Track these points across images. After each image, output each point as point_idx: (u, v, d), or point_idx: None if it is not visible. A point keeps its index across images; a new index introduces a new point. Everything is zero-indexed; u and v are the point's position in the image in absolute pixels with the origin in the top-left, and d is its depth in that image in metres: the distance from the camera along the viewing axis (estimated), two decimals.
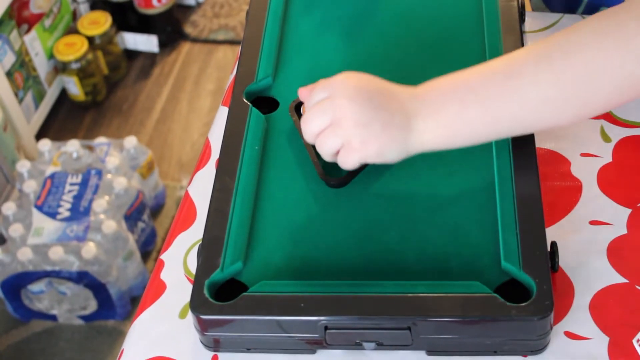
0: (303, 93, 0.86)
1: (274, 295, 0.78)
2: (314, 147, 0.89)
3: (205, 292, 0.79)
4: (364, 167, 0.87)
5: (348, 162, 0.81)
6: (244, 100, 0.95)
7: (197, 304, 0.79)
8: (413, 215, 0.84)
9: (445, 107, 0.80)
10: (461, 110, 0.79)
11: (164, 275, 0.90)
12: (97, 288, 1.85)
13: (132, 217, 1.95)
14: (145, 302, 0.88)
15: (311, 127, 0.82)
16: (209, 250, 0.82)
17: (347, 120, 0.79)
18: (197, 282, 0.80)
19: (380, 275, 0.80)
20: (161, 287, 0.89)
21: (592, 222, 0.88)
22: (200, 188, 0.97)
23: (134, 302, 1.95)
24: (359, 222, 0.84)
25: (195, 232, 0.92)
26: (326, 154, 0.82)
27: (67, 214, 1.87)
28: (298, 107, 0.93)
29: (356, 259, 0.81)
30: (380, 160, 0.81)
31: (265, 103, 0.97)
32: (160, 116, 2.40)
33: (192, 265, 0.89)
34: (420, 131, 0.80)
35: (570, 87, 0.78)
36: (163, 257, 0.92)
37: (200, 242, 0.84)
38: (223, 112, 1.03)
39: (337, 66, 0.98)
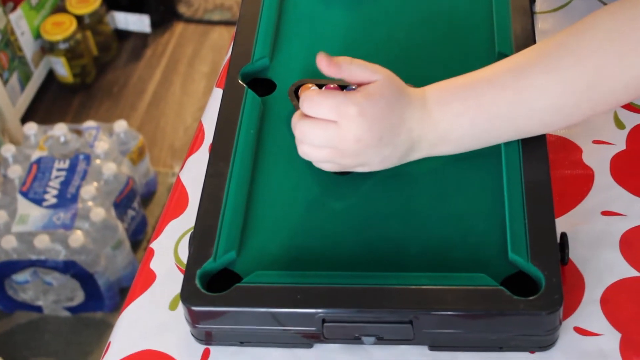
0: (324, 62, 0.82)
1: (269, 286, 0.78)
2: None
3: (197, 282, 0.79)
4: None
5: (332, 170, 0.84)
6: (240, 81, 0.95)
7: (188, 295, 0.78)
8: (416, 203, 0.83)
9: (455, 129, 0.82)
10: (471, 129, 0.82)
11: (153, 265, 0.89)
12: (85, 278, 1.84)
13: (121, 204, 1.94)
14: (133, 292, 0.88)
15: (305, 139, 0.82)
16: (201, 239, 0.82)
17: (349, 152, 0.81)
18: (189, 272, 0.79)
19: (381, 266, 0.79)
20: (151, 277, 0.88)
21: (604, 213, 0.87)
22: (193, 174, 0.96)
23: (122, 293, 1.95)
24: (359, 210, 0.84)
25: (187, 220, 0.92)
26: (309, 159, 0.84)
27: (53, 200, 1.86)
28: (298, 90, 0.92)
29: (356, 249, 0.81)
30: None
31: (262, 85, 0.96)
32: (152, 99, 2.39)
33: (184, 254, 0.88)
34: (424, 150, 0.83)
35: (581, 93, 0.80)
36: (153, 245, 0.91)
37: (192, 230, 0.83)
38: (217, 95, 1.02)
39: (337, 46, 0.98)
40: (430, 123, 0.82)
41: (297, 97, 0.92)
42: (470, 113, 0.81)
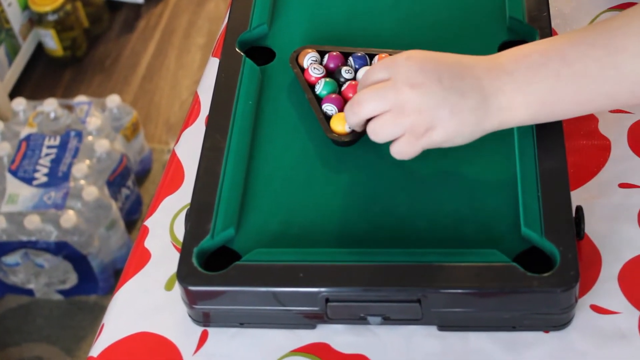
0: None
1: (270, 264, 0.77)
2: (317, 100, 0.87)
3: (194, 261, 0.78)
4: None
5: (407, 153, 0.79)
6: (237, 50, 0.94)
7: (184, 274, 0.78)
8: (424, 176, 0.83)
9: (536, 82, 0.77)
10: (555, 86, 0.77)
11: (148, 243, 0.89)
12: (77, 260, 1.84)
13: (115, 182, 1.94)
14: (127, 272, 0.87)
15: (364, 110, 0.79)
16: (198, 215, 0.81)
17: (411, 107, 0.76)
18: (185, 250, 0.79)
19: (388, 243, 0.79)
20: (145, 256, 0.88)
21: (622, 185, 0.87)
22: (189, 147, 0.96)
23: (117, 275, 1.95)
24: (364, 183, 0.83)
25: (182, 196, 0.91)
26: (380, 140, 0.80)
27: (44, 179, 1.86)
28: (299, 57, 0.91)
29: (361, 225, 0.80)
30: (447, 146, 0.79)
31: (260, 53, 0.95)
32: (146, 73, 2.39)
33: (180, 232, 0.87)
34: (503, 109, 0.77)
35: None
36: (147, 223, 0.91)
37: (189, 206, 0.83)
38: (214, 64, 1.02)
39: (340, 11, 0.97)
40: (503, 73, 0.77)
41: (299, 65, 0.91)
42: (552, 65, 0.76)
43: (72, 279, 1.90)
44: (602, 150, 0.89)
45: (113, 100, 2.04)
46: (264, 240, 0.80)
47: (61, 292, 1.93)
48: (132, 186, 2.02)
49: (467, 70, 0.78)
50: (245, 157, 0.86)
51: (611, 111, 0.92)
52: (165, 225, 0.89)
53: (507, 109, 0.78)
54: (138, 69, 2.40)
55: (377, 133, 0.79)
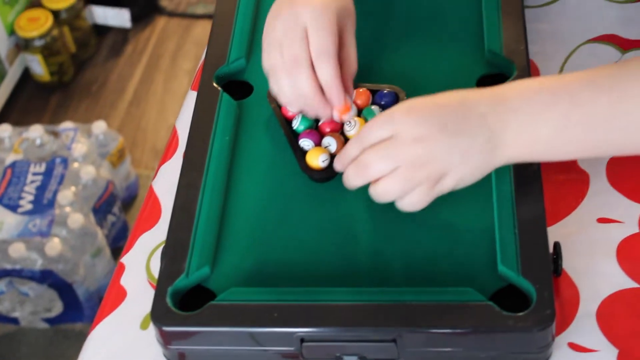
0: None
1: (245, 304, 0.77)
2: (294, 135, 0.87)
3: (168, 300, 0.78)
4: None
5: (421, 203, 0.77)
6: (214, 84, 0.94)
7: (159, 314, 0.77)
8: (400, 213, 0.82)
9: (544, 121, 0.75)
10: (563, 128, 0.75)
11: (124, 281, 0.88)
12: (63, 288, 1.83)
13: (101, 210, 1.93)
14: (103, 310, 0.87)
15: (372, 172, 0.76)
16: (172, 254, 0.81)
17: (421, 161, 0.75)
18: (160, 289, 0.79)
19: (363, 281, 0.78)
20: (121, 294, 0.87)
21: (600, 220, 0.86)
22: (166, 182, 0.95)
23: None
24: (340, 220, 0.83)
25: (159, 233, 0.91)
26: (388, 199, 0.78)
27: (29, 206, 1.85)
28: None
29: (336, 263, 0.80)
30: (458, 188, 0.78)
31: (238, 88, 0.95)
32: (132, 98, 2.38)
33: (156, 269, 0.87)
34: (509, 145, 0.76)
35: None
36: (124, 260, 0.90)
37: (164, 243, 0.82)
38: (192, 98, 1.01)
39: None
40: (509, 108, 0.75)
41: (276, 100, 0.91)
42: (561, 106, 0.74)
43: (58, 307, 1.89)
44: (580, 184, 0.89)
45: (99, 127, 2.03)
46: (240, 278, 0.80)
47: (46, 320, 1.92)
48: (119, 213, 2.02)
49: (471, 110, 0.76)
50: (222, 194, 0.85)
51: None
52: (142, 262, 0.89)
53: (512, 146, 0.76)
54: (125, 94, 2.40)
55: (387, 192, 0.77)
